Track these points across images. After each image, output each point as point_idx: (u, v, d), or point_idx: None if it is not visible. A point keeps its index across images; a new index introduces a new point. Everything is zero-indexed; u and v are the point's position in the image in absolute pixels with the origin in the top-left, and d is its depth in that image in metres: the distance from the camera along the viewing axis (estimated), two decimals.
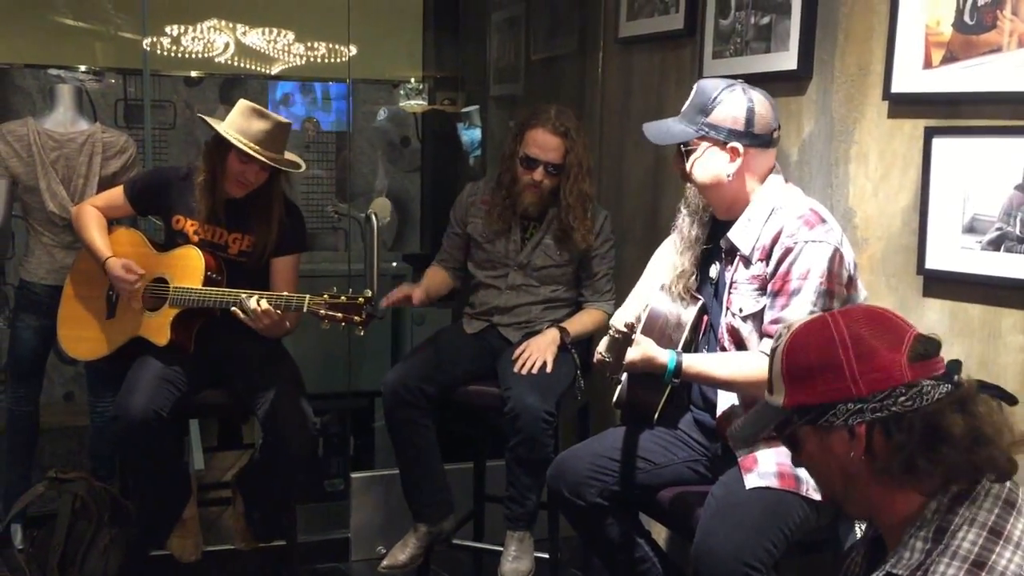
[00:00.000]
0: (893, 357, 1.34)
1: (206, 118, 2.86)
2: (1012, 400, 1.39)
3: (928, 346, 1.35)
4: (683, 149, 2.24)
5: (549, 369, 2.80)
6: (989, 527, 1.28)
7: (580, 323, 2.99)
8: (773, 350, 1.45)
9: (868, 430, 1.35)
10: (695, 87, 2.27)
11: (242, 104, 2.80)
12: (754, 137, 2.19)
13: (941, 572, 1.25)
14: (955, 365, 1.37)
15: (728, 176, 2.20)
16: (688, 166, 2.24)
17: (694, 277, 2.33)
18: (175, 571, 3.01)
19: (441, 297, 3.15)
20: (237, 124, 2.76)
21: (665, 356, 2.15)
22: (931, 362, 1.35)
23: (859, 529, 2.09)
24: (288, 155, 2.87)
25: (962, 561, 1.25)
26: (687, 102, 2.27)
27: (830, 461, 1.40)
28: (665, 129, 2.28)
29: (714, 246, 2.30)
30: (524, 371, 2.78)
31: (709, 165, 2.21)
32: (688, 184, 2.30)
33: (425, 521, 2.90)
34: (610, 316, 2.91)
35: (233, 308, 2.67)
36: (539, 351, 2.84)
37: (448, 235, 3.14)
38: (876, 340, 1.35)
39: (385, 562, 2.90)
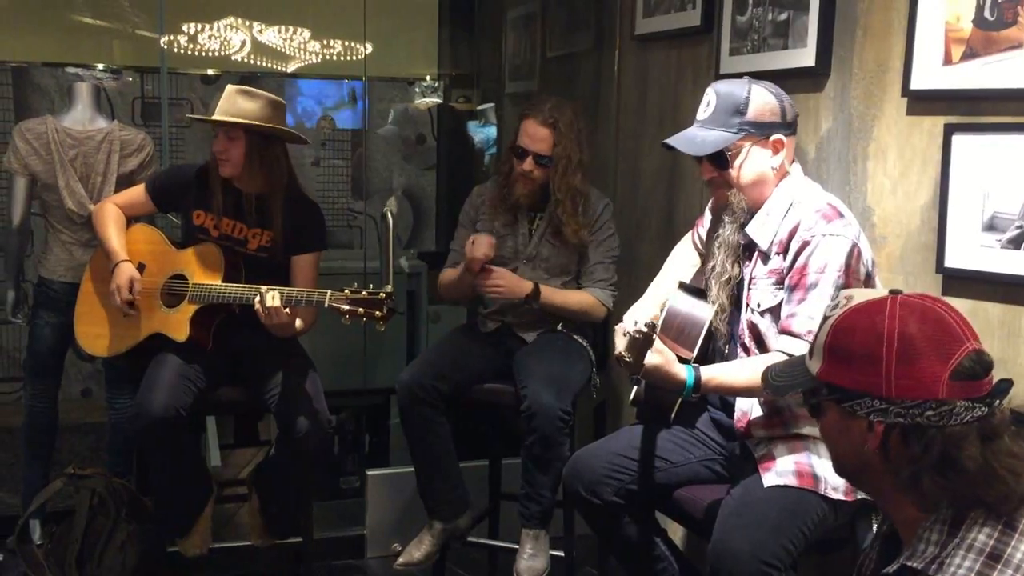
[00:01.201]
0: (935, 369, 1.30)
1: (191, 115, 2.92)
2: None
3: (978, 367, 1.31)
4: (727, 154, 2.19)
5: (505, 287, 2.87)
6: (1004, 521, 1.28)
7: (561, 295, 2.98)
8: (826, 319, 1.42)
9: (887, 431, 1.34)
10: (711, 91, 2.23)
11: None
12: (789, 126, 2.21)
13: (957, 564, 1.25)
14: (1004, 386, 1.33)
15: (773, 169, 2.20)
16: (734, 171, 2.19)
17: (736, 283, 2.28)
18: (192, 567, 3.02)
19: (463, 299, 3.14)
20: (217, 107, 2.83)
21: (683, 373, 2.13)
22: (976, 383, 1.31)
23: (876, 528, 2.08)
24: (281, 126, 2.89)
25: (978, 554, 1.26)
26: (708, 108, 2.22)
27: (846, 441, 1.40)
28: (699, 139, 2.21)
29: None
30: (486, 288, 2.88)
31: (755, 164, 2.19)
32: (725, 191, 2.23)
33: (440, 519, 2.91)
34: (601, 303, 2.93)
35: (256, 302, 2.67)
36: (504, 281, 2.88)
37: (458, 239, 3.13)
38: (926, 345, 1.31)
39: (401, 559, 2.91)
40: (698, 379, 2.13)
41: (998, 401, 1.31)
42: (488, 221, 3.06)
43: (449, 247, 3.18)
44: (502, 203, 3.02)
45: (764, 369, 1.59)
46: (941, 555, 1.28)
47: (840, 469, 1.48)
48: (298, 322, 2.79)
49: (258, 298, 2.66)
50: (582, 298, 2.99)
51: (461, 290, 3.02)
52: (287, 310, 2.66)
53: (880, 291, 1.40)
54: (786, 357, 1.94)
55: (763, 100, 2.18)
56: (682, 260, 2.59)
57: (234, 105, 2.80)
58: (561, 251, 3.00)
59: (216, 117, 2.80)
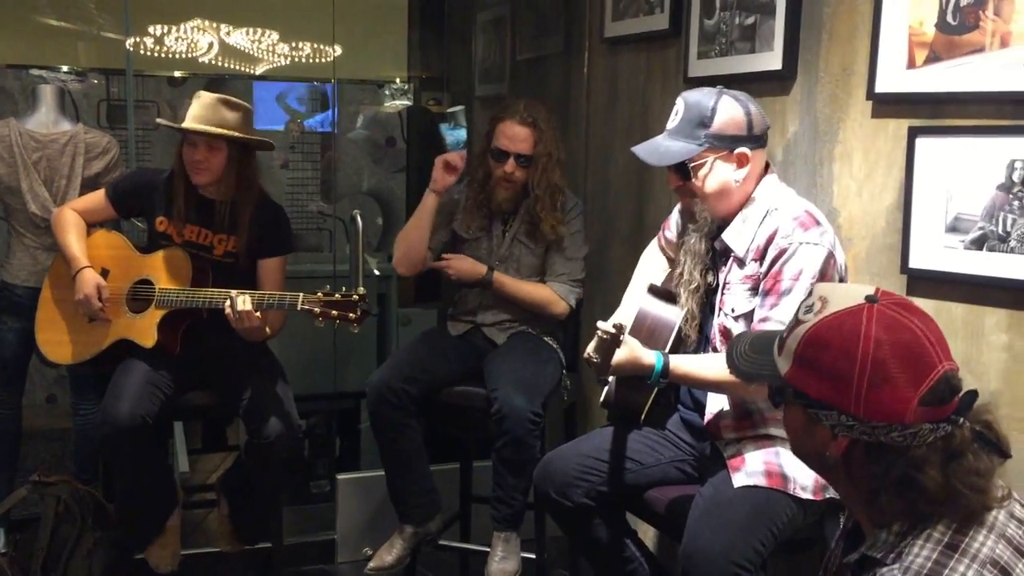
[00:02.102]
0: (906, 395, 1.28)
1: (161, 120, 2.91)
2: (1006, 455, 1.34)
3: (948, 391, 1.30)
4: (689, 166, 2.20)
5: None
6: (961, 521, 1.30)
7: (515, 283, 2.98)
8: (798, 321, 1.38)
9: (851, 444, 1.34)
10: (680, 101, 2.23)
11: (196, 95, 2.83)
12: (756, 139, 2.20)
13: (915, 553, 1.27)
14: (968, 399, 1.32)
15: (737, 182, 2.19)
16: (698, 182, 2.19)
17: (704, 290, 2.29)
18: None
19: (416, 256, 3.06)
20: (188, 113, 2.79)
21: (651, 357, 2.15)
22: (943, 407, 1.30)
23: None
24: (254, 136, 2.87)
25: (936, 543, 1.27)
26: (676, 118, 2.22)
27: (809, 442, 1.40)
28: (663, 149, 2.21)
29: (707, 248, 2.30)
30: (440, 264, 2.94)
31: (718, 176, 2.19)
32: (690, 200, 2.24)
33: (411, 522, 2.90)
34: (561, 297, 2.96)
35: (227, 306, 2.65)
36: (459, 263, 2.94)
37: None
38: (898, 372, 1.28)
39: (372, 564, 2.89)
40: (666, 365, 2.14)
41: (962, 419, 1.31)
42: (463, 220, 3.05)
43: None
44: (478, 209, 3.01)
45: (730, 342, 1.57)
46: (900, 545, 1.30)
47: (801, 458, 1.49)
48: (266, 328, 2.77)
49: (228, 302, 2.64)
50: (538, 290, 2.99)
51: (418, 231, 3.00)
52: (258, 314, 2.64)
53: (856, 292, 1.36)
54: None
55: (729, 113, 2.17)
56: (651, 265, 2.60)
57: (216, 114, 2.77)
58: (533, 252, 3.01)
59: (202, 127, 2.75)
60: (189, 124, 2.76)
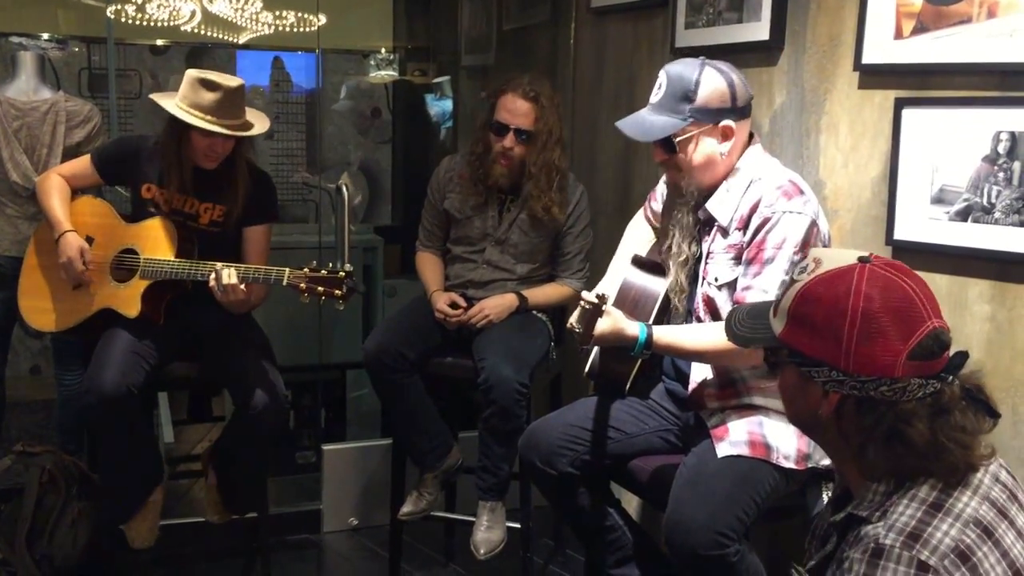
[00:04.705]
0: (895, 348, 1.31)
1: (158, 100, 2.76)
2: (995, 414, 1.37)
3: (936, 346, 1.32)
4: (675, 140, 2.18)
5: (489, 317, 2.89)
6: (946, 480, 1.32)
7: (543, 294, 3.00)
8: (792, 281, 1.42)
9: (841, 400, 1.36)
10: (663, 75, 2.20)
11: (189, 75, 2.71)
12: (739, 111, 2.18)
13: (900, 512, 1.30)
14: (958, 360, 1.35)
15: (722, 155, 2.18)
16: (684, 156, 2.18)
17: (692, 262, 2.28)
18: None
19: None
20: (189, 98, 2.69)
21: (635, 329, 2.15)
22: (932, 362, 1.33)
23: (826, 496, 2.12)
24: (250, 112, 2.81)
25: (920, 503, 1.30)
26: (659, 92, 2.20)
27: (802, 401, 1.43)
28: (647, 125, 2.20)
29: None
30: (474, 320, 2.89)
31: (703, 149, 2.18)
32: (676, 173, 2.23)
33: (430, 468, 2.93)
34: (578, 293, 2.93)
35: (211, 280, 2.63)
36: (492, 310, 2.90)
37: (428, 212, 3.12)
38: (887, 325, 1.31)
39: (405, 508, 2.93)
40: (650, 336, 2.15)
41: (951, 377, 1.34)
42: (457, 199, 3.03)
43: (417, 224, 3.16)
44: (474, 184, 2.99)
45: (730, 311, 1.61)
46: (885, 503, 1.33)
47: (794, 422, 1.52)
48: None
49: (213, 275, 2.63)
50: (561, 291, 3.02)
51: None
52: (243, 287, 2.63)
53: (849, 253, 1.39)
54: None
55: (712, 86, 2.15)
56: (637, 236, 2.60)
57: (233, 109, 2.72)
58: (532, 239, 2.98)
59: (234, 134, 2.71)
60: (218, 128, 2.67)
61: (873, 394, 1.33)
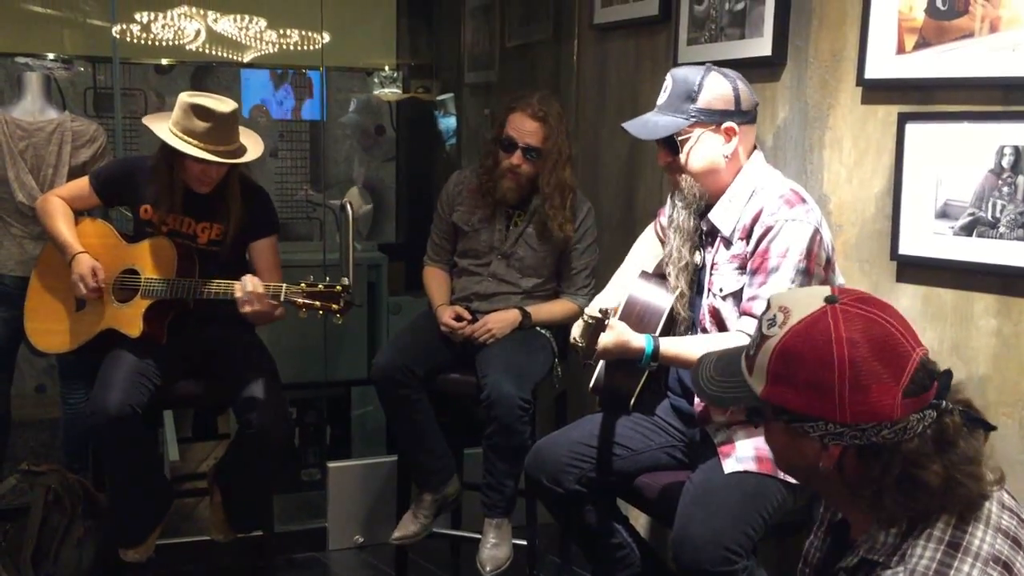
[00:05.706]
0: (890, 390, 1.26)
1: (151, 124, 2.75)
2: (990, 427, 1.34)
3: (928, 377, 1.29)
4: (677, 140, 2.21)
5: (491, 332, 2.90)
6: (959, 514, 1.29)
7: (547, 311, 3.01)
8: (763, 337, 1.35)
9: (842, 452, 1.32)
10: (669, 78, 2.25)
11: (182, 100, 2.70)
12: (743, 114, 2.20)
13: (919, 555, 1.26)
14: (946, 381, 1.31)
15: (725, 157, 2.20)
16: (684, 156, 2.20)
17: (693, 268, 2.30)
18: (150, 563, 2.98)
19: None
20: (182, 123, 2.67)
21: (641, 340, 2.15)
22: (925, 394, 1.29)
23: None
24: (244, 133, 2.80)
25: (938, 543, 1.26)
26: (664, 94, 2.24)
27: (797, 457, 1.37)
28: (652, 124, 2.23)
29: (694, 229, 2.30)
30: (477, 335, 2.90)
31: (705, 151, 2.20)
32: (679, 176, 2.24)
33: (430, 489, 2.93)
34: (582, 310, 2.93)
35: (236, 291, 2.62)
36: (495, 325, 2.91)
37: (436, 226, 3.14)
38: (878, 367, 1.27)
39: (397, 532, 2.94)
40: (656, 348, 2.15)
41: (946, 403, 1.30)
42: (465, 212, 3.04)
43: (422, 238, 3.18)
44: (482, 197, 3.01)
45: (694, 364, 1.53)
46: (902, 546, 1.28)
47: (789, 473, 1.46)
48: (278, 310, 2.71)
49: (238, 287, 2.63)
50: (565, 308, 3.02)
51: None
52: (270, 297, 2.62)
53: (814, 295, 1.33)
54: (746, 338, 1.94)
55: (716, 88, 2.18)
56: (645, 250, 2.60)
57: (236, 136, 2.72)
58: (538, 253, 2.99)
59: (226, 161, 2.69)
60: (211, 157, 2.66)
61: (875, 439, 1.28)
